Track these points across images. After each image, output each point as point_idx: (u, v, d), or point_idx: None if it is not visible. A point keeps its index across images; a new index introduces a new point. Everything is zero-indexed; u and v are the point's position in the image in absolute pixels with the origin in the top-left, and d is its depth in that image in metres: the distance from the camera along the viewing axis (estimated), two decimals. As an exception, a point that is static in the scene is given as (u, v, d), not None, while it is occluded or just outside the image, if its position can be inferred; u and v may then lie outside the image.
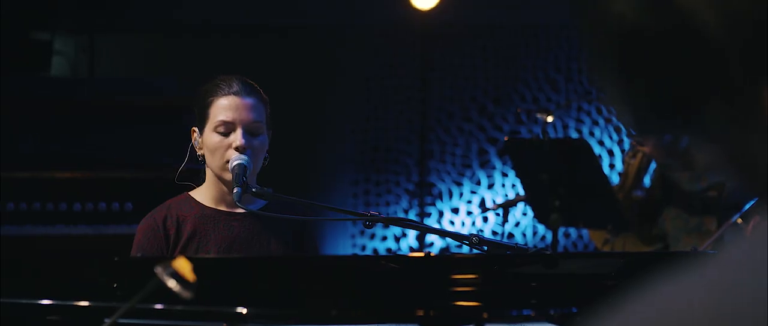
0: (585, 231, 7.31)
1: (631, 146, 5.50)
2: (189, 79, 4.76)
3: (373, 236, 7.67)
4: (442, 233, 3.29)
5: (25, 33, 6.53)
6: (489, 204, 7.62)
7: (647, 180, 5.43)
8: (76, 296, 2.61)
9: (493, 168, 7.71)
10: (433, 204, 7.69)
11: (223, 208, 3.22)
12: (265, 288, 2.74)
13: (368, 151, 7.73)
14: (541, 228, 7.60)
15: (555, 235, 5.40)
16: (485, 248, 2.91)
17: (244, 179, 3.07)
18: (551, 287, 2.77)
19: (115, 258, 2.65)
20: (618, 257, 3.51)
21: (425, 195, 7.68)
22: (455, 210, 7.68)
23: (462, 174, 7.72)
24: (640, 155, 5.34)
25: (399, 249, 7.68)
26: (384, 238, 7.69)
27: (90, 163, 5.60)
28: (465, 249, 2.93)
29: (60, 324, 2.62)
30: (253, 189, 3.08)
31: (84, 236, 5.49)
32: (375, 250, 7.69)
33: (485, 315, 2.60)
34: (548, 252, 2.84)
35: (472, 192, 7.70)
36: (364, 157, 7.72)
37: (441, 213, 7.68)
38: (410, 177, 7.72)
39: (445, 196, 7.70)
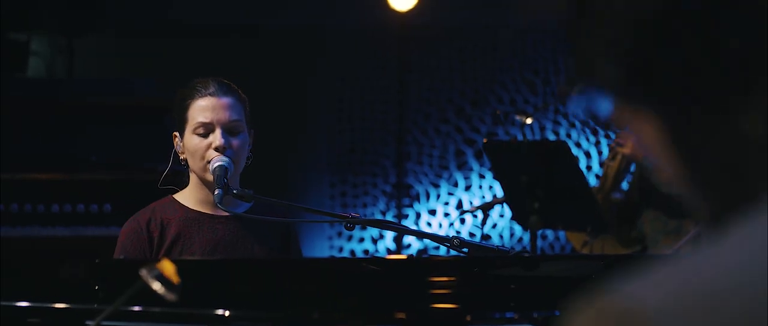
0: (562, 233, 7.32)
1: (611, 149, 5.51)
2: (167, 80, 4.74)
3: (350, 238, 7.67)
4: (424, 235, 3.27)
5: (1, 33, 6.49)
6: (466, 205, 7.62)
7: (625, 184, 5.44)
8: (58, 298, 2.60)
9: (471, 169, 7.73)
10: (411, 206, 7.69)
11: (207, 211, 3.21)
12: (247, 290, 2.74)
13: (345, 152, 7.72)
14: (518, 230, 7.61)
15: (534, 237, 5.40)
16: (466, 250, 2.91)
17: (225, 181, 3.07)
18: (533, 289, 2.78)
19: (97, 260, 2.65)
20: (598, 259, 3.53)
21: (402, 196, 7.68)
22: (432, 212, 7.69)
23: (439, 176, 7.72)
24: (619, 157, 5.35)
25: (376, 250, 7.68)
26: (361, 240, 7.69)
27: (68, 164, 5.57)
28: (444, 250, 2.93)
29: (40, 327, 2.61)
30: (234, 191, 3.08)
31: (62, 238, 5.47)
32: (352, 252, 7.69)
33: (468, 318, 2.61)
34: (528, 254, 2.85)
35: (450, 193, 7.71)
36: (341, 159, 7.71)
37: (418, 215, 7.68)
38: (387, 179, 7.72)
39: (423, 198, 7.70)
